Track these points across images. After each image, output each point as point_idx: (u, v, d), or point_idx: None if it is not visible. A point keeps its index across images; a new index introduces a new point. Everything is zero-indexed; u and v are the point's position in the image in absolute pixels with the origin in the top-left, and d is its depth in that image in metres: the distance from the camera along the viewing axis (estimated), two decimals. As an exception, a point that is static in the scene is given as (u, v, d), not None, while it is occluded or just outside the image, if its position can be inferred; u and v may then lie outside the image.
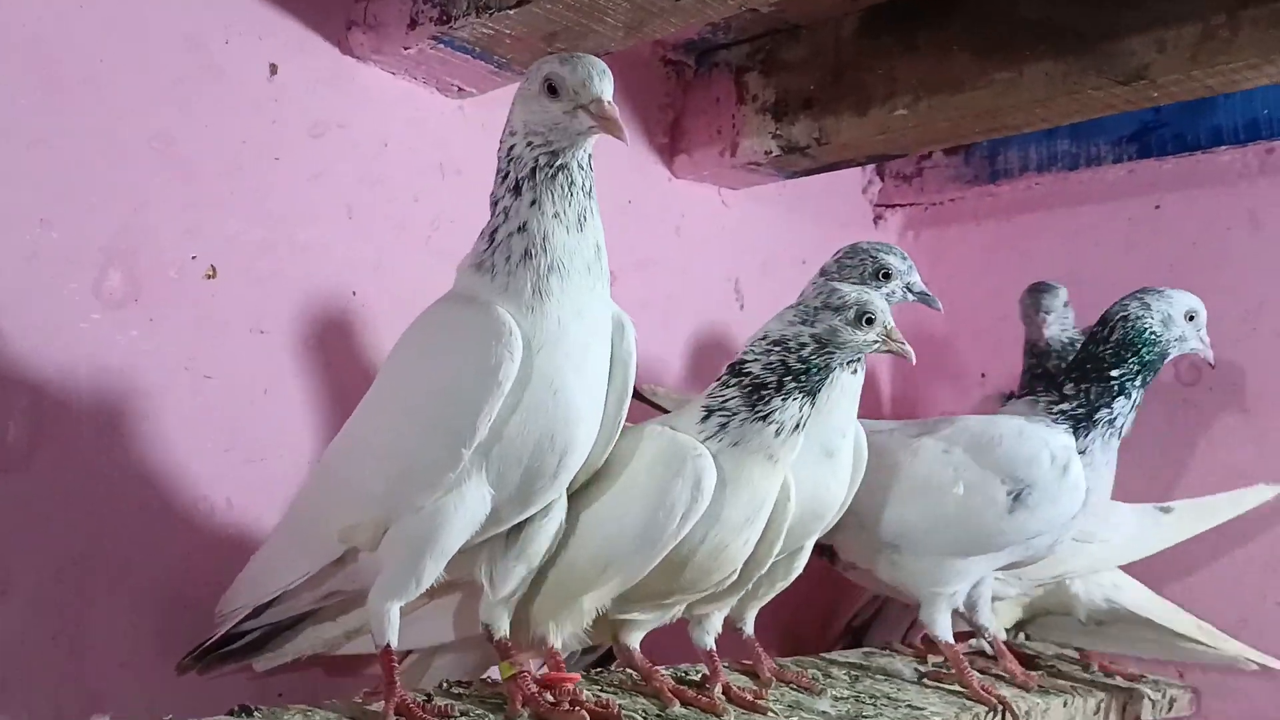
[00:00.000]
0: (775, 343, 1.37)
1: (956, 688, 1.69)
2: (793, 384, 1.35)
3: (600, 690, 1.37)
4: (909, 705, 1.56)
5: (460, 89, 1.83)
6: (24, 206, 1.40)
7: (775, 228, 2.43)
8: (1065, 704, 1.78)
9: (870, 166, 2.69)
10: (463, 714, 1.18)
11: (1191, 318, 1.77)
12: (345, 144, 1.73)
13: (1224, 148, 2.24)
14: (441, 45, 1.68)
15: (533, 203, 1.17)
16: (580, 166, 1.22)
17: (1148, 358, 1.73)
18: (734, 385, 1.37)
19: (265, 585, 1.31)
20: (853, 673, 1.73)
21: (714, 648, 1.54)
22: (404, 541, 1.18)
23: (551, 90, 1.17)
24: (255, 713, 1.10)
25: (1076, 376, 1.75)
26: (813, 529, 1.58)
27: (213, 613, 1.40)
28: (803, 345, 1.36)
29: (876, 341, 1.39)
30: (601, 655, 1.72)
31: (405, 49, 1.70)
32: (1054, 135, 2.42)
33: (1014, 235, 2.55)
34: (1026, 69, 1.83)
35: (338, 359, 1.70)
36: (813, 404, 1.37)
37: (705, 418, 1.36)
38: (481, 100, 1.86)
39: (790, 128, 2.09)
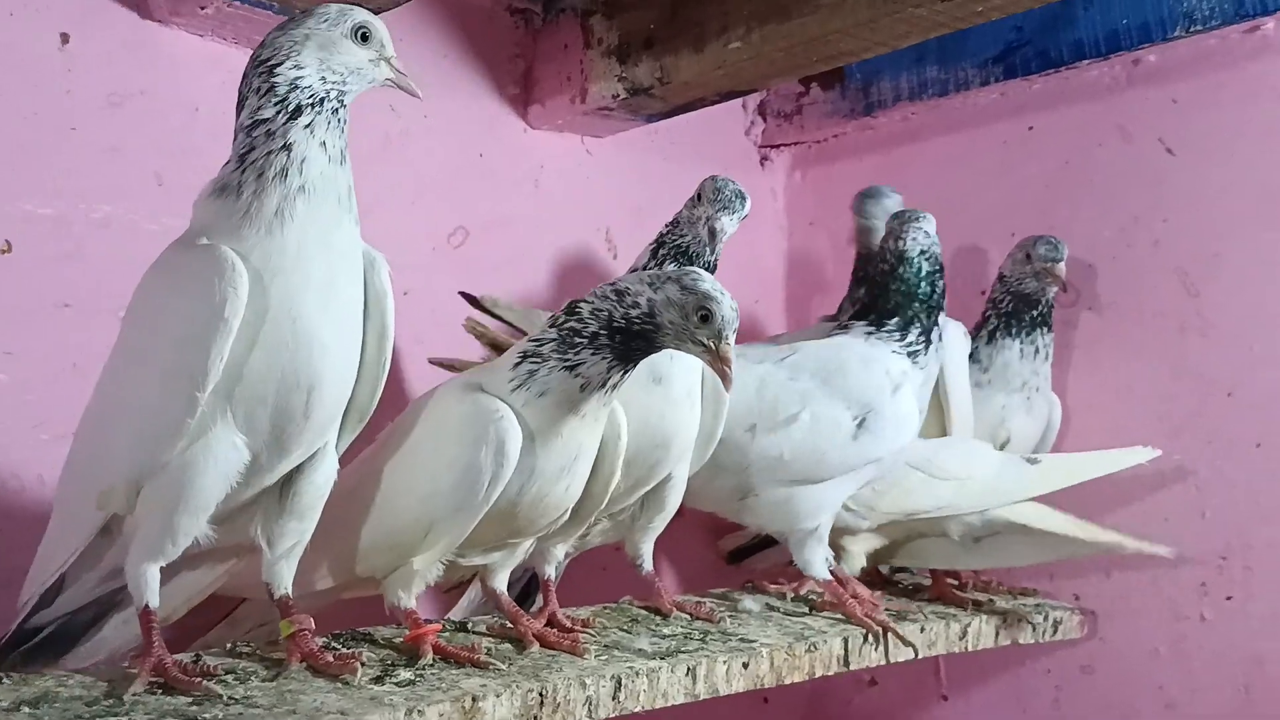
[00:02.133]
0: (616, 292, 1.33)
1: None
2: (606, 339, 1.30)
3: (469, 636, 1.40)
4: (741, 639, 1.55)
5: (275, 45, 1.79)
6: None
7: (648, 174, 2.40)
8: (922, 629, 1.77)
9: (753, 107, 2.67)
10: (229, 672, 1.17)
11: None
12: (149, 111, 1.70)
13: (1089, 62, 2.19)
14: (238, 2, 1.65)
15: (307, 126, 1.17)
16: (346, 107, 1.23)
17: (942, 273, 1.81)
18: (558, 326, 1.33)
19: (44, 570, 1.28)
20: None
21: (553, 577, 1.55)
22: (156, 499, 1.16)
23: (364, 38, 1.23)
24: (4, 680, 1.09)
25: (902, 309, 1.77)
26: (659, 458, 1.57)
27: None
28: (635, 305, 1.31)
29: (704, 346, 1.32)
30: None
31: (202, 8, 1.68)
32: (922, 62, 2.38)
33: (893, 167, 2.52)
34: (849, -9, 1.79)
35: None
36: (624, 372, 1.33)
37: (518, 364, 1.33)
38: (301, 59, 1.83)
39: (634, 69, 2.05)
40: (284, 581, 1.26)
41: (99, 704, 1.05)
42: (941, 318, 1.79)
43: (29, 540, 1.47)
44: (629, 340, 1.31)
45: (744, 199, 1.63)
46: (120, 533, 1.23)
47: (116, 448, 1.17)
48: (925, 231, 1.82)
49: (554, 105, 2.17)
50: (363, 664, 1.21)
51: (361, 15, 1.24)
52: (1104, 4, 2.13)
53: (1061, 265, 2.05)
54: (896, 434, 1.71)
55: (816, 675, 1.57)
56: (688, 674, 1.39)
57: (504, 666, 1.27)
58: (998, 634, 1.92)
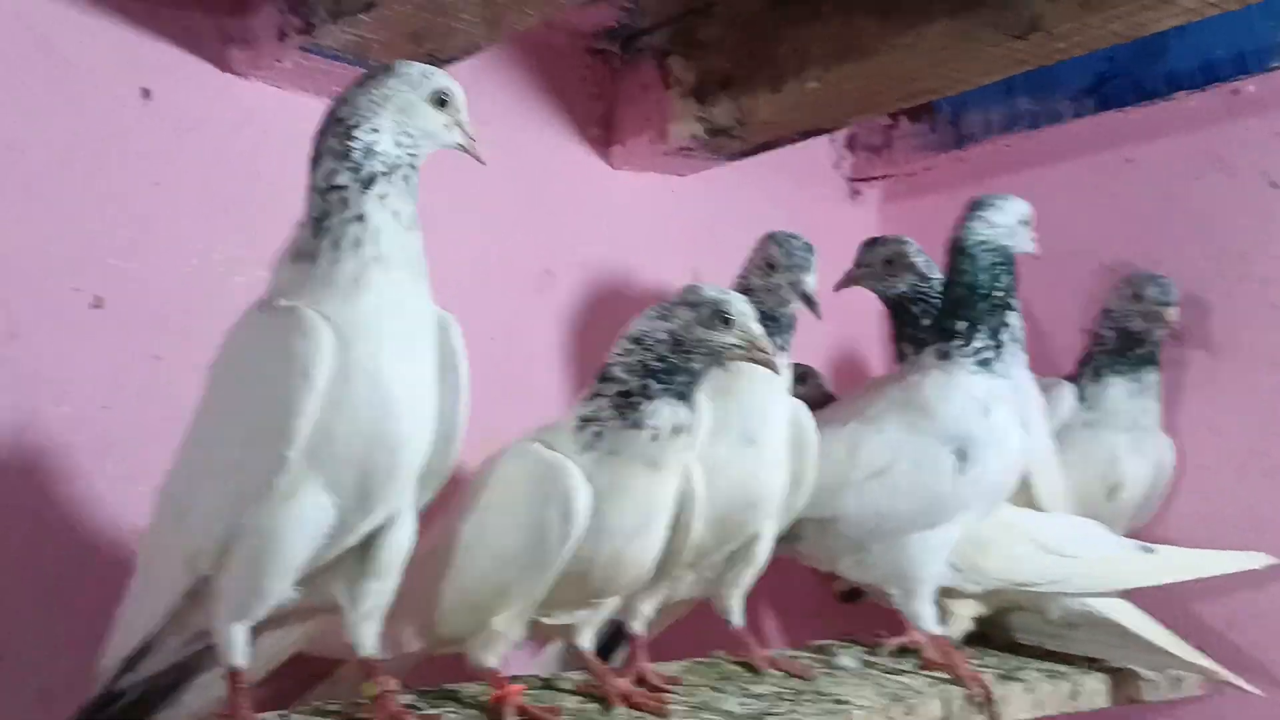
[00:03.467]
0: (634, 340, 1.34)
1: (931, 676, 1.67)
2: (657, 386, 1.31)
3: (555, 695, 1.40)
4: (835, 699, 1.51)
5: (356, 91, 1.82)
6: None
7: (736, 211, 2.37)
8: (1030, 690, 1.71)
9: (840, 140, 2.63)
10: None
11: (1025, 222, 1.79)
12: (233, 163, 1.74)
13: (1185, 93, 2.11)
14: (312, 54, 1.67)
15: (381, 196, 1.18)
16: (417, 170, 1.24)
17: (1010, 268, 1.73)
18: (602, 393, 1.34)
19: (130, 634, 1.28)
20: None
21: (642, 633, 1.54)
22: (244, 560, 1.16)
23: (441, 103, 1.24)
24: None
25: (964, 311, 1.70)
26: (749, 518, 1.58)
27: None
28: (659, 342, 1.33)
29: (738, 346, 1.33)
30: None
31: (278, 61, 1.70)
32: (1012, 94, 2.32)
33: None
34: (926, 30, 1.74)
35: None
36: (690, 406, 1.33)
37: (580, 427, 1.34)
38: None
39: (712, 109, 2.04)
40: (367, 642, 1.26)
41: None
42: (1016, 319, 1.70)
43: (119, 593, 1.51)
44: (672, 375, 1.32)
45: (812, 249, 1.61)
46: (207, 596, 1.23)
47: (205, 509, 1.18)
48: (986, 219, 1.75)
49: (635, 146, 2.17)
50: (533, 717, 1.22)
51: (443, 80, 1.24)
52: (1197, 34, 2.03)
53: (1173, 309, 1.99)
54: (1002, 457, 1.66)
55: (913, 738, 1.53)
56: (777, 737, 1.35)
57: (584, 729, 1.26)
58: (1112, 693, 1.84)
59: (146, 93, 1.68)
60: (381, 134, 1.20)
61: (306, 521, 1.15)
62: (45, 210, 1.57)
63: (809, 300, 1.62)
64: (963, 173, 2.51)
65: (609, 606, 1.44)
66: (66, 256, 1.58)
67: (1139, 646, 1.81)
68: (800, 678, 1.58)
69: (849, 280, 2.05)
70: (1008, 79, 2.21)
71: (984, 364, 1.67)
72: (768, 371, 1.50)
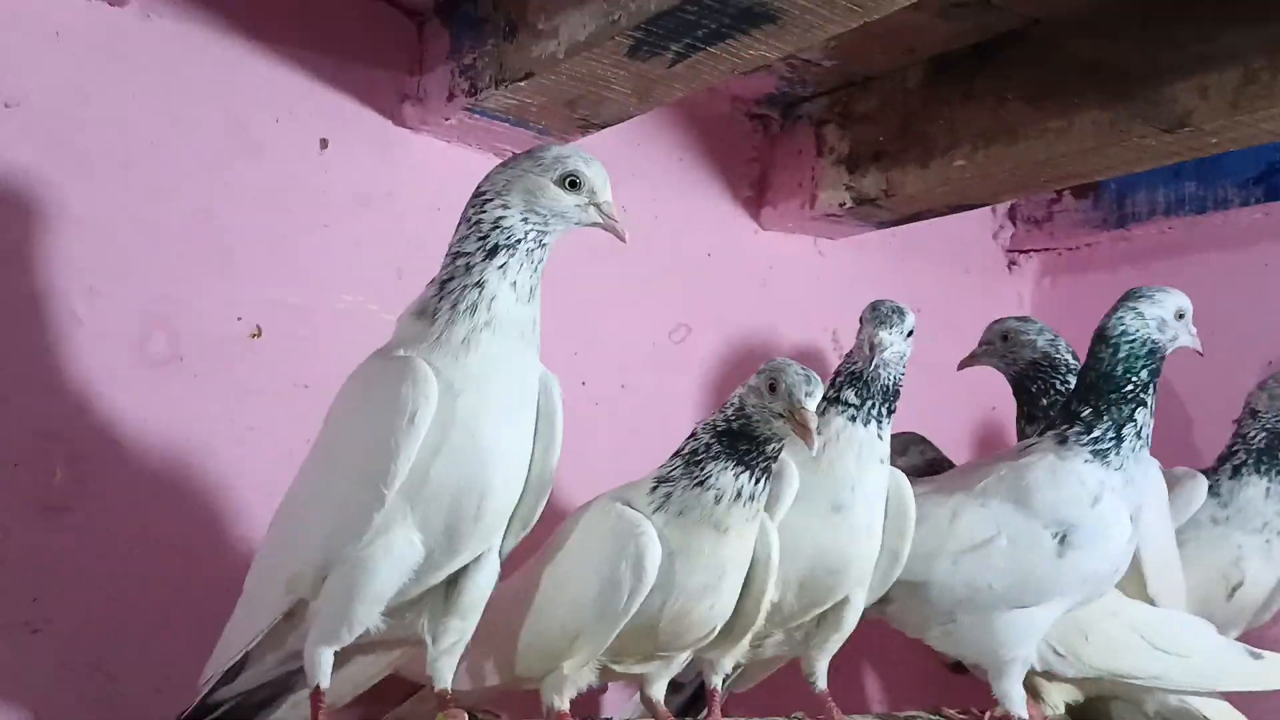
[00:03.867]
0: (722, 407, 1.40)
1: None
2: (719, 447, 1.36)
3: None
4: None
5: (513, 153, 1.92)
6: (71, 278, 1.60)
7: (882, 276, 2.39)
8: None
9: (1002, 211, 2.62)
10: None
11: (1181, 316, 1.71)
12: (395, 210, 1.86)
13: (1357, 187, 2.06)
14: (476, 115, 1.78)
15: (500, 267, 1.27)
16: (546, 247, 1.31)
17: (1154, 365, 1.67)
18: (680, 452, 1.40)
19: (230, 647, 1.37)
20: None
21: (718, 688, 1.58)
22: (338, 587, 1.25)
23: (572, 185, 1.31)
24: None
25: (1092, 398, 1.67)
26: (834, 583, 1.59)
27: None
28: (730, 406, 1.38)
29: (782, 416, 1.34)
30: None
31: (446, 119, 1.82)
32: (1180, 177, 2.28)
33: (1147, 281, 2.37)
34: (1077, 118, 1.76)
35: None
36: (754, 478, 1.37)
37: (654, 488, 1.40)
38: (541, 163, 1.96)
39: (862, 180, 2.08)
40: (444, 676, 1.34)
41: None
42: (1145, 416, 1.66)
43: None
44: (735, 442, 1.36)
45: (902, 314, 1.59)
46: (303, 618, 1.33)
47: (308, 536, 1.29)
48: (1137, 310, 1.70)
49: (785, 208, 2.22)
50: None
51: (573, 164, 1.31)
52: (1375, 129, 1.98)
53: None
54: (1105, 546, 1.63)
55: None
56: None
57: (643, 776, 1.31)
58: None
59: (325, 142, 1.81)
60: (511, 210, 1.29)
61: (397, 556, 1.24)
62: (218, 244, 1.72)
63: (871, 348, 1.56)
64: (1123, 252, 2.47)
65: (679, 660, 1.49)
66: (233, 289, 1.72)
67: None
68: None
69: (971, 359, 2.05)
70: (1176, 165, 2.21)
71: (1100, 454, 1.64)
72: (860, 441, 1.55)
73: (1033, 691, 1.83)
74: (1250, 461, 1.97)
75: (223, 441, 1.70)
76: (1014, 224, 2.63)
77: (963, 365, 2.00)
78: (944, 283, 2.53)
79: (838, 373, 1.62)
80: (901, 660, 2.23)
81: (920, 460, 2.06)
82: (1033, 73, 1.83)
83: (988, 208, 2.59)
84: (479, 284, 1.26)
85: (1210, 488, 1.96)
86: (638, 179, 2.12)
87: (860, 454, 1.56)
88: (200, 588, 1.63)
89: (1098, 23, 1.75)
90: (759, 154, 2.27)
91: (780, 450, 1.39)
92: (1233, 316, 2.26)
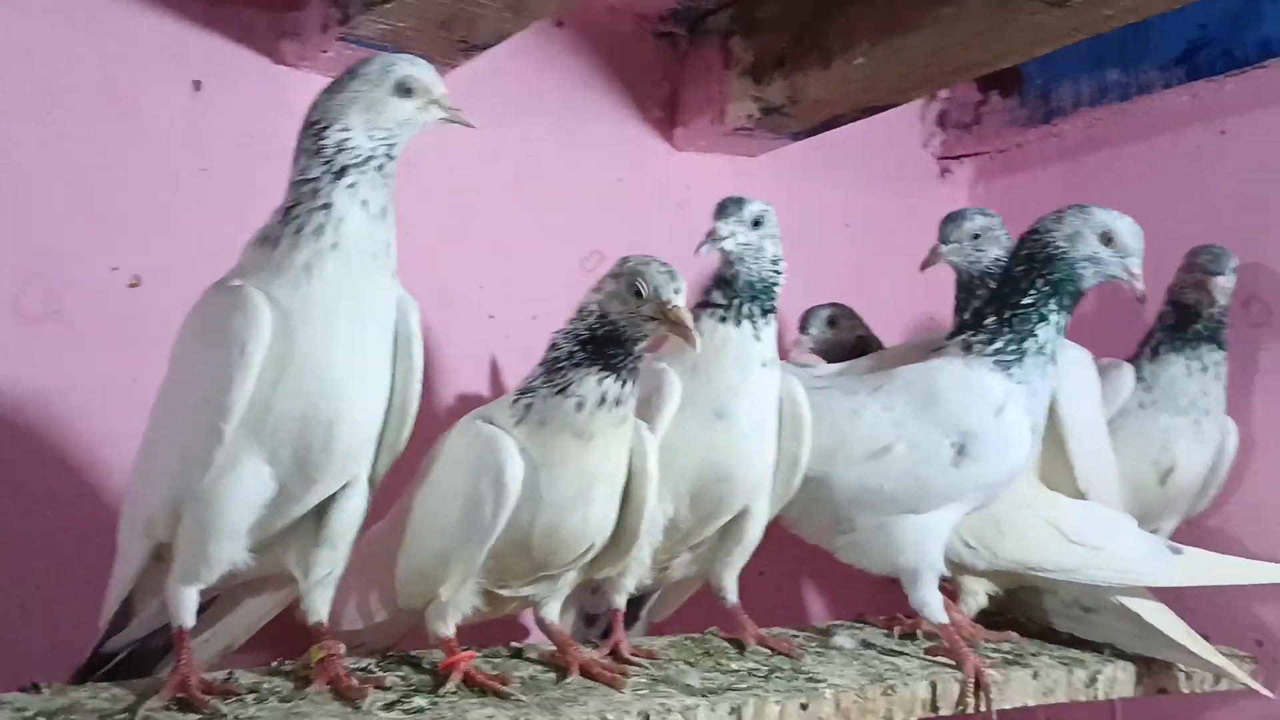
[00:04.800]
0: (576, 312, 1.36)
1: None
2: (583, 355, 1.32)
3: (520, 663, 1.44)
4: (809, 677, 1.49)
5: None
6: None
7: (808, 191, 2.33)
8: (1035, 675, 1.65)
9: (931, 118, 2.57)
10: (251, 692, 1.23)
11: (1109, 240, 1.58)
12: (280, 150, 1.80)
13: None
14: (352, 45, 1.73)
15: (350, 186, 1.24)
16: (394, 159, 1.28)
17: (1054, 277, 1.58)
18: (543, 362, 1.36)
19: (111, 596, 1.36)
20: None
21: (621, 607, 1.56)
22: (191, 526, 1.23)
23: (407, 91, 1.28)
24: (43, 689, 1.20)
25: (996, 307, 1.62)
26: (724, 492, 1.56)
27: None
28: (590, 313, 1.34)
29: (652, 318, 1.31)
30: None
31: (323, 51, 1.77)
32: (1102, 65, 2.23)
33: (1079, 177, 2.36)
34: (967, 2, 1.70)
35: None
36: (620, 380, 1.33)
37: (515, 400, 1.36)
38: (431, 94, 1.91)
39: (767, 89, 2.02)
40: (318, 609, 1.31)
41: (112, 716, 1.14)
42: (1049, 332, 1.60)
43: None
44: (601, 347, 1.32)
45: (740, 204, 1.60)
46: (170, 560, 1.30)
47: (158, 478, 1.26)
48: (1059, 217, 1.61)
49: (697, 126, 2.17)
50: (385, 688, 1.25)
51: (403, 69, 1.28)
52: (1293, -5, 1.93)
53: (1220, 279, 1.88)
54: (1002, 458, 1.59)
55: (895, 720, 1.50)
56: (731, 713, 1.34)
57: (525, 698, 1.28)
58: (1139, 681, 1.76)
59: (198, 84, 1.76)
60: (353, 131, 1.25)
61: (245, 490, 1.22)
62: (91, 194, 1.68)
63: (711, 237, 1.58)
64: (1054, 149, 2.42)
65: (566, 579, 1.45)
66: (110, 240, 1.69)
67: (1154, 638, 1.73)
68: (786, 655, 1.57)
69: (935, 257, 1.92)
70: (1097, 51, 2.16)
71: (1002, 365, 1.59)
72: (736, 342, 1.51)
73: (954, 587, 1.81)
74: (1165, 340, 1.93)
75: (105, 393, 1.66)
76: (943, 130, 2.57)
77: (925, 265, 1.91)
78: (876, 195, 2.48)
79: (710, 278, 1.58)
80: (846, 572, 2.19)
81: (850, 336, 2.03)
82: (922, -38, 1.77)
83: (916, 117, 2.55)
84: (325, 206, 1.22)
85: (1136, 374, 1.92)
86: (542, 105, 2.08)
87: (738, 356, 1.52)
88: (86, 542, 1.59)
89: (978, -100, 1.69)
90: (667, 73, 2.22)
91: (643, 350, 1.35)
92: (1165, 204, 2.22)
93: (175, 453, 1.24)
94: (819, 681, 1.48)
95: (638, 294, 1.31)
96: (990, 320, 1.62)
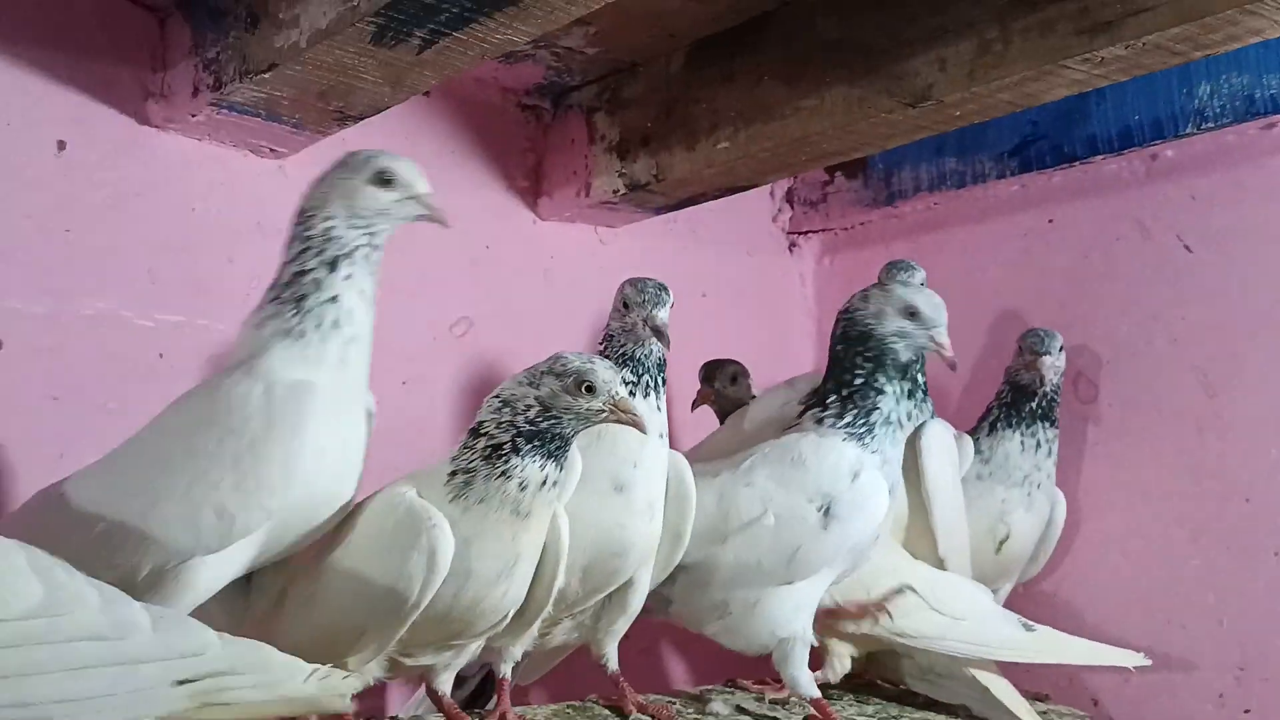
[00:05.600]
0: (504, 403, 1.37)
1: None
2: (526, 445, 1.35)
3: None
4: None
5: (272, 150, 1.88)
6: None
7: (666, 262, 2.39)
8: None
9: (780, 195, 2.68)
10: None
11: (912, 315, 1.68)
12: (145, 211, 1.79)
13: (1105, 157, 2.16)
14: (224, 110, 1.73)
15: (347, 278, 1.33)
16: (379, 249, 1.38)
17: (870, 353, 1.68)
18: (473, 446, 1.37)
19: None
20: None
21: (508, 676, 1.58)
22: (173, 591, 1.25)
23: (385, 182, 1.36)
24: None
25: (834, 385, 1.71)
26: (617, 565, 1.58)
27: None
28: (528, 408, 1.35)
29: (603, 411, 1.37)
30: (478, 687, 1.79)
31: (193, 115, 1.75)
32: (941, 153, 2.37)
33: (919, 255, 2.44)
34: (827, 95, 1.80)
35: (142, 421, 1.74)
36: (559, 466, 1.36)
37: (451, 476, 1.37)
38: (302, 159, 1.91)
39: (633, 165, 2.09)
40: None
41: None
42: (889, 403, 1.68)
43: None
44: (543, 438, 1.35)
45: (666, 289, 1.62)
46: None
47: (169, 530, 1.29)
48: (865, 296, 1.72)
49: (561, 197, 2.22)
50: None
51: (382, 162, 1.36)
52: (1117, 100, 2.09)
53: (1048, 358, 2.00)
54: (864, 518, 1.66)
55: (772, 785, 1.55)
56: (617, 785, 1.38)
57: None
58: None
59: (62, 144, 1.72)
60: (335, 220, 1.34)
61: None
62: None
63: (659, 333, 1.61)
64: (895, 229, 2.55)
65: (469, 650, 1.47)
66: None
67: (995, 709, 1.84)
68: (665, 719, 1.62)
69: (702, 399, 2.11)
70: (937, 140, 2.29)
71: (855, 437, 1.67)
72: (647, 416, 1.53)
73: (822, 650, 1.87)
74: (1002, 416, 2.05)
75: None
76: (791, 206, 2.69)
77: (694, 407, 2.11)
78: (728, 265, 2.57)
79: (606, 358, 1.62)
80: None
81: (746, 395, 2.09)
82: (785, 52, 1.86)
83: (767, 192, 2.66)
84: (334, 299, 1.32)
85: (975, 447, 2.04)
86: (414, 175, 2.09)
87: (639, 434, 1.55)
88: None
89: (842, 1, 1.79)
90: (532, 144, 2.26)
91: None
92: (996, 285, 2.37)
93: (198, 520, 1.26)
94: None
95: (590, 390, 1.35)
96: (832, 400, 1.70)
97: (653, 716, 1.63)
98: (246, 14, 1.62)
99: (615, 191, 2.11)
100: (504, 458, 1.34)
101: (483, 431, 1.37)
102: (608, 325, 1.66)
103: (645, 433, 1.42)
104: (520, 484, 1.34)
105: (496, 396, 1.38)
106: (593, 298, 2.30)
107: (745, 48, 1.92)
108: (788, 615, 1.68)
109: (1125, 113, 2.10)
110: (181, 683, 0.96)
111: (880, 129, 1.80)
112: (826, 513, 1.64)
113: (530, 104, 2.25)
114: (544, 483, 1.35)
